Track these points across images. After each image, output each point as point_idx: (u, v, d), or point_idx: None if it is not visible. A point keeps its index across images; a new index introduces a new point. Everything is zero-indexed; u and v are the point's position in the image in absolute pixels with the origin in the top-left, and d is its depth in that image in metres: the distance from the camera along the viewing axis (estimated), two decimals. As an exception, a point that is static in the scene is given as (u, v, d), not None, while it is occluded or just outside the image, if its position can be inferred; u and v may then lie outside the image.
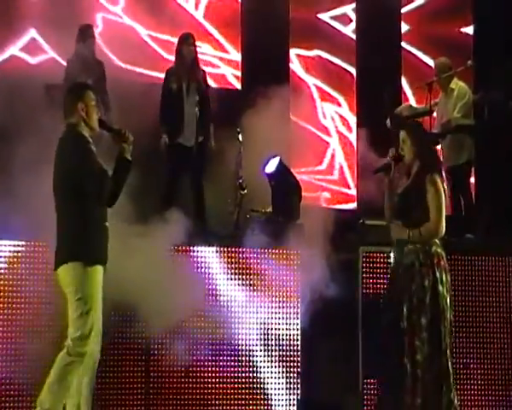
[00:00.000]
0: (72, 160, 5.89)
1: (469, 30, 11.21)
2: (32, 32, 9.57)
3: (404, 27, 11.09)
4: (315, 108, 10.85)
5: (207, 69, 9.86)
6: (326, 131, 10.87)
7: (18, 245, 7.29)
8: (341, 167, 10.89)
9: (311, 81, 10.85)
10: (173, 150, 8.72)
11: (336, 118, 10.96)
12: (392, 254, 6.63)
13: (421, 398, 6.15)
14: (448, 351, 6.27)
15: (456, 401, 6.27)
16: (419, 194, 6.25)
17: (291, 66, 10.77)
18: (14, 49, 9.57)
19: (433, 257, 6.22)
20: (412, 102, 10.58)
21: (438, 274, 6.23)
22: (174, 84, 8.72)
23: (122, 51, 9.92)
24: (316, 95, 10.90)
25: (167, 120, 8.72)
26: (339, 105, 10.94)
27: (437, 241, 6.24)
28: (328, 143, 10.83)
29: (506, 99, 9.27)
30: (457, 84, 8.95)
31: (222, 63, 10.53)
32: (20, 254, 7.33)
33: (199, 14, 10.40)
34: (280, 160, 8.73)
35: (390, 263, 7.82)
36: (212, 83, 9.95)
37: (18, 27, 9.51)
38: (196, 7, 10.41)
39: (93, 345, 5.86)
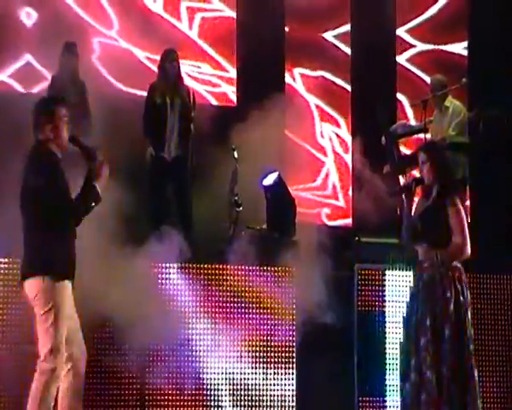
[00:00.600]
0: (40, 177, 5.84)
1: (464, 49, 11.19)
2: (28, 57, 9.70)
3: (400, 45, 11.14)
4: (313, 126, 10.93)
5: (207, 88, 10.25)
6: (323, 150, 10.97)
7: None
8: (334, 187, 10.96)
9: (313, 101, 10.95)
10: (157, 163, 8.76)
11: (334, 138, 11.04)
12: (412, 274, 6.73)
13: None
14: (472, 361, 6.34)
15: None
16: (440, 215, 6.39)
17: (294, 85, 10.88)
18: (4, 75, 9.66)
19: (454, 271, 6.36)
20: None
21: (459, 287, 6.35)
22: (158, 98, 8.80)
23: (120, 73, 10.06)
24: (316, 114, 10.99)
25: (152, 133, 8.80)
26: (338, 126, 11.03)
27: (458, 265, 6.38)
28: (323, 162, 10.92)
29: (502, 116, 9.17)
30: (452, 102, 8.98)
31: (222, 82, 10.66)
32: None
33: (193, 34, 10.52)
34: (279, 174, 8.71)
35: (384, 280, 8.07)
36: (213, 101, 10.29)
37: (13, 53, 9.64)
38: (190, 26, 10.54)
39: (75, 348, 5.81)
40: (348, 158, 10.91)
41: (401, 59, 11.13)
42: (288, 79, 10.89)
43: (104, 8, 10.16)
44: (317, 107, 10.97)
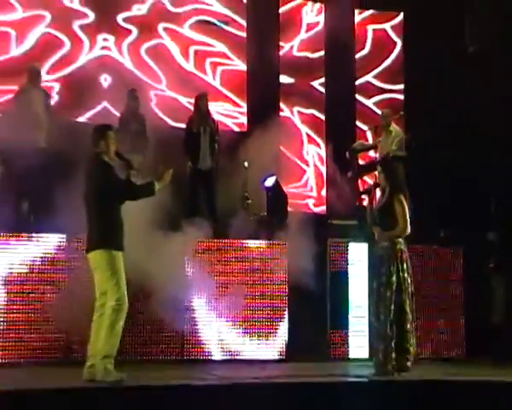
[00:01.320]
0: (98, 179, 6.11)
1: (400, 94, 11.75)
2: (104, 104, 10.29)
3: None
4: (302, 146, 11.43)
5: (230, 120, 10.83)
6: (306, 163, 11.45)
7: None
8: (311, 188, 11.36)
9: (304, 130, 11.49)
10: (194, 173, 9.37)
11: (316, 155, 11.46)
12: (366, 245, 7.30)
13: (383, 345, 6.76)
14: (408, 315, 6.80)
15: (409, 349, 6.85)
16: (390, 208, 6.90)
17: (292, 118, 11.33)
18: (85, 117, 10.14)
19: (397, 252, 6.86)
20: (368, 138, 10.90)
21: (399, 264, 6.83)
22: (194, 128, 9.38)
23: (169, 113, 10.64)
24: (305, 139, 11.48)
25: (190, 152, 9.38)
26: (319, 147, 11.49)
27: (401, 240, 6.87)
28: (305, 170, 11.40)
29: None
30: (394, 128, 9.49)
31: (240, 115, 11.12)
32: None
33: (216, 83, 11.03)
34: (276, 178, 9.37)
35: (348, 249, 8.46)
36: (234, 127, 10.87)
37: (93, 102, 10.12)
38: (214, 77, 11.03)
39: (126, 305, 6.06)
40: (323, 169, 11.31)
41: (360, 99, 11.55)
42: (288, 113, 11.36)
43: (154, 70, 10.67)
44: (307, 134, 11.48)
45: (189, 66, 10.92)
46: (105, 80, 10.40)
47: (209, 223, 8.25)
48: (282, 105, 11.30)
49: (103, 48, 10.48)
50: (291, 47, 11.47)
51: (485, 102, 10.07)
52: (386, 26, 11.88)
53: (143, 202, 6.35)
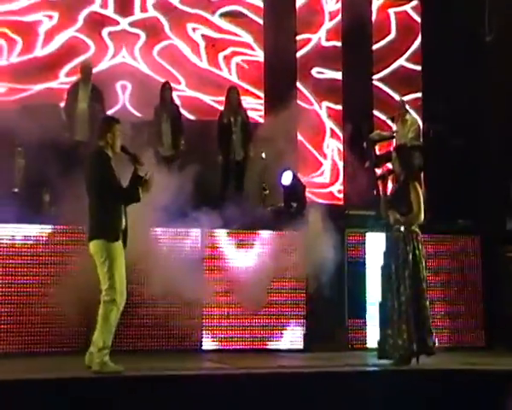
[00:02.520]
0: (98, 172, 6.15)
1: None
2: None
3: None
4: (323, 140, 11.24)
5: (255, 113, 10.68)
6: (324, 155, 11.26)
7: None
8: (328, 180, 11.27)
9: (329, 124, 11.27)
10: (226, 164, 9.52)
11: (335, 149, 11.27)
12: (384, 235, 7.20)
13: (405, 325, 6.81)
14: (425, 293, 6.93)
15: (431, 327, 6.94)
16: (405, 194, 6.99)
17: (319, 111, 11.15)
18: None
19: (413, 233, 6.96)
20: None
21: (415, 243, 6.94)
22: (225, 120, 9.54)
23: (194, 109, 10.56)
24: (328, 133, 11.28)
25: (222, 145, 9.54)
26: (340, 141, 11.25)
27: (415, 225, 6.95)
28: (322, 163, 11.24)
29: (449, 135, 9.51)
30: (410, 116, 9.59)
31: (261, 106, 10.99)
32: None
33: (233, 77, 10.89)
34: (293, 172, 9.38)
35: (365, 239, 8.50)
36: (259, 120, 10.70)
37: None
38: (230, 72, 10.94)
39: (119, 296, 6.06)
40: (341, 164, 11.13)
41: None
42: (316, 107, 11.19)
43: (171, 72, 10.58)
44: (331, 128, 11.31)
45: (203, 63, 10.86)
46: (124, 87, 10.37)
47: (236, 213, 8.18)
48: (311, 98, 11.17)
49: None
50: (319, 38, 11.34)
51: (502, 90, 9.95)
52: (407, 7, 11.69)
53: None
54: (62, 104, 9.50)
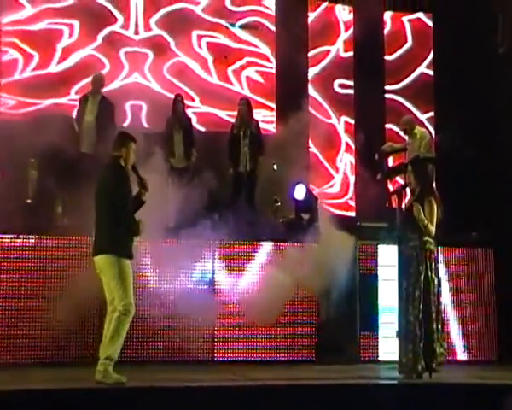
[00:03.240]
0: (114, 183, 6.05)
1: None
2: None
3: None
4: (337, 153, 11.31)
5: (267, 125, 10.77)
6: (337, 169, 11.31)
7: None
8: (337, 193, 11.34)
9: (345, 139, 11.33)
10: (236, 176, 9.56)
11: (348, 164, 11.31)
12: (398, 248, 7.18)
13: (412, 345, 6.72)
14: (434, 315, 6.79)
15: (441, 350, 6.78)
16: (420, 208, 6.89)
17: (337, 126, 11.21)
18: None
19: (426, 251, 6.87)
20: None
21: (428, 263, 6.86)
22: (236, 131, 9.59)
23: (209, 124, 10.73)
24: (343, 147, 11.35)
25: (231, 156, 9.55)
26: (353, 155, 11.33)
27: (430, 240, 6.84)
28: (333, 176, 11.27)
29: (463, 146, 9.44)
30: (419, 130, 9.49)
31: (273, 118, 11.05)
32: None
33: (246, 91, 10.94)
34: (305, 186, 9.39)
35: (377, 252, 8.43)
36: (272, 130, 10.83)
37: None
38: (241, 86, 11.00)
39: (132, 309, 6.06)
40: (352, 178, 11.18)
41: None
42: (334, 121, 11.21)
43: (184, 89, 10.57)
44: (346, 142, 11.37)
45: (214, 79, 10.91)
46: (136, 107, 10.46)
47: (247, 224, 8.27)
48: (330, 112, 11.20)
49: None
50: (337, 49, 11.36)
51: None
52: (420, 14, 11.68)
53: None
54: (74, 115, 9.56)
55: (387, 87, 11.41)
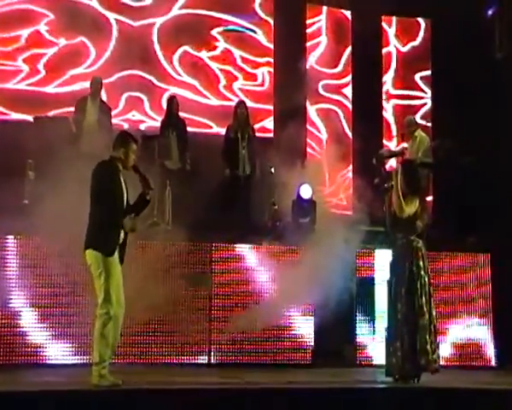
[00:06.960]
0: (103, 181, 5.96)
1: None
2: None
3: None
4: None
5: (263, 128, 10.66)
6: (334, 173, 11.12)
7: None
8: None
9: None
10: (233, 178, 9.47)
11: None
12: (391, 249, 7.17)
13: (399, 342, 6.72)
14: (422, 310, 6.70)
15: (428, 347, 6.67)
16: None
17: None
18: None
19: (413, 249, 6.88)
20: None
21: (415, 259, 6.83)
22: (232, 134, 9.57)
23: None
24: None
25: (228, 159, 9.51)
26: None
27: (417, 239, 6.85)
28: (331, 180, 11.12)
29: (461, 154, 9.49)
30: (420, 134, 9.54)
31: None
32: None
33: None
34: (310, 187, 9.34)
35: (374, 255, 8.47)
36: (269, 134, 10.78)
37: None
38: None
39: (117, 309, 5.93)
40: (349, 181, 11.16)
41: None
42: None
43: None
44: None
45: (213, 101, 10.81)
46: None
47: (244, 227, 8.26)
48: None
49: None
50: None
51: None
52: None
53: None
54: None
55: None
